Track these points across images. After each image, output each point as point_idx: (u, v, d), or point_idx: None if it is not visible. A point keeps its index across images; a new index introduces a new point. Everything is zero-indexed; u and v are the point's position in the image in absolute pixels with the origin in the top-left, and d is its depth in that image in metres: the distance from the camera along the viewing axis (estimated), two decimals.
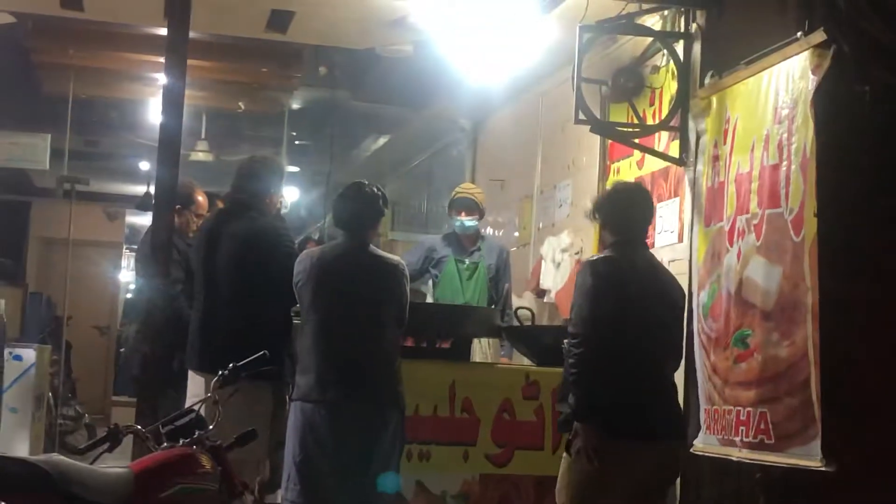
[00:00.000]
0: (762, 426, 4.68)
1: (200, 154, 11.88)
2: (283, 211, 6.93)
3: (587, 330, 4.50)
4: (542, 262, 7.64)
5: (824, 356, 4.34)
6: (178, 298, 6.05)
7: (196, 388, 5.34)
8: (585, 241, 7.07)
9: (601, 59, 6.68)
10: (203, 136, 11.91)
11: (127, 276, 16.74)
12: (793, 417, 4.49)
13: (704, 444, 5.18)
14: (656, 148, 6.15)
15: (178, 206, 6.20)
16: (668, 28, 6.09)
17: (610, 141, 6.81)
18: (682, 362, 5.05)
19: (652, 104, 6.31)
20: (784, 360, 4.57)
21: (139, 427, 4.06)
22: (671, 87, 6.04)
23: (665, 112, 6.00)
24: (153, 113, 10.73)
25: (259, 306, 5.36)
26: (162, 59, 6.26)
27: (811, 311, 4.40)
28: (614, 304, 4.54)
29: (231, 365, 4.26)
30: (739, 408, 4.87)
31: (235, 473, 4.08)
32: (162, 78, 6.60)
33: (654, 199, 6.16)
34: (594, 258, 4.81)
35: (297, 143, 12.77)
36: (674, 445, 4.69)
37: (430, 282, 7.39)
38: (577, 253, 7.22)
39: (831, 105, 4.51)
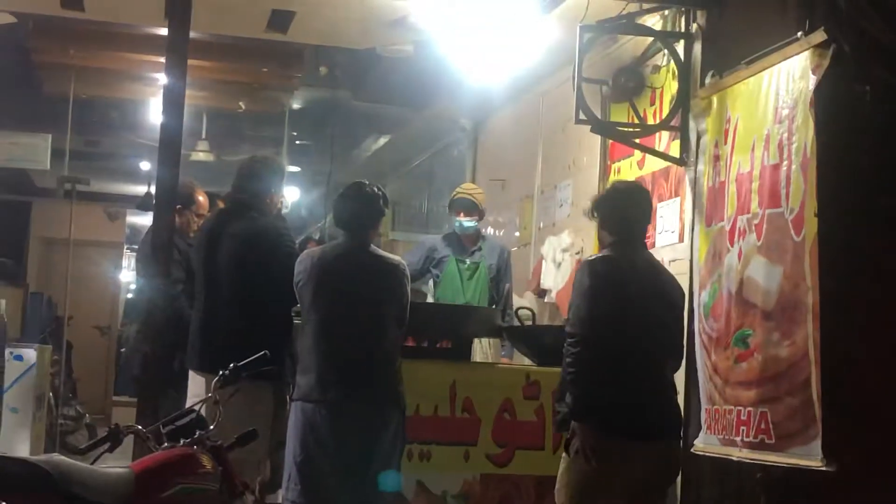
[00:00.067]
0: (763, 426, 4.68)
1: (201, 154, 11.89)
2: (284, 211, 6.93)
3: (584, 329, 4.50)
4: (543, 261, 7.65)
5: (825, 356, 4.34)
6: (178, 298, 6.05)
7: (197, 388, 5.34)
8: (586, 240, 7.07)
9: (602, 59, 6.68)
10: (204, 136, 11.91)
11: (128, 276, 16.74)
12: (793, 417, 4.49)
13: (705, 443, 5.18)
14: (657, 148, 6.15)
15: (178, 206, 6.21)
16: (669, 28, 6.09)
17: (610, 141, 6.81)
18: (683, 362, 5.05)
19: (652, 104, 6.31)
20: (785, 360, 4.57)
21: (140, 427, 4.07)
22: (672, 87, 6.04)
23: (666, 112, 6.00)
24: (154, 113, 10.74)
25: (260, 306, 5.36)
26: (162, 59, 6.26)
27: (812, 310, 4.40)
28: (612, 303, 4.54)
29: (232, 365, 4.26)
30: (740, 407, 4.87)
31: (236, 473, 4.08)
32: (162, 78, 6.59)
33: (655, 199, 6.17)
34: (592, 258, 4.81)
35: (297, 143, 12.78)
36: (672, 445, 4.69)
37: (431, 282, 7.38)
38: (577, 253, 7.22)
39: (832, 105, 4.51)
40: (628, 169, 6.67)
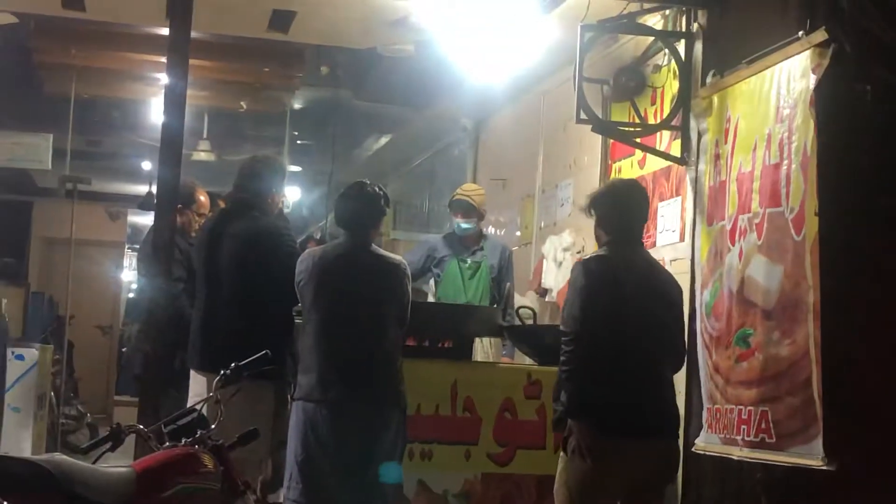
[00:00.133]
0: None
1: (202, 154, 11.90)
2: (286, 210, 6.94)
3: (578, 328, 4.50)
4: (544, 261, 7.65)
5: (825, 355, 4.34)
6: (180, 298, 6.06)
7: (198, 387, 5.34)
8: (587, 240, 7.06)
9: (602, 59, 6.68)
10: (205, 135, 11.92)
11: (129, 275, 16.77)
12: (794, 416, 4.49)
13: (706, 443, 5.18)
14: (658, 147, 6.15)
15: (180, 206, 6.22)
16: (670, 27, 6.09)
17: (611, 140, 6.81)
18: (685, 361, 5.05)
19: (653, 103, 6.31)
20: (785, 359, 4.57)
21: (141, 426, 4.07)
22: (673, 87, 6.04)
23: (667, 111, 6.00)
24: (155, 113, 10.76)
25: (261, 306, 5.37)
26: (164, 59, 6.27)
27: (812, 310, 4.40)
28: (607, 302, 4.54)
29: (233, 364, 4.27)
30: (741, 407, 4.87)
31: (237, 473, 4.09)
32: (164, 78, 6.60)
33: (656, 199, 6.18)
34: (587, 257, 4.81)
35: (298, 142, 12.79)
36: (670, 444, 4.68)
37: (432, 281, 7.39)
38: (578, 252, 7.22)
39: (832, 104, 4.51)
40: (629, 168, 6.67)
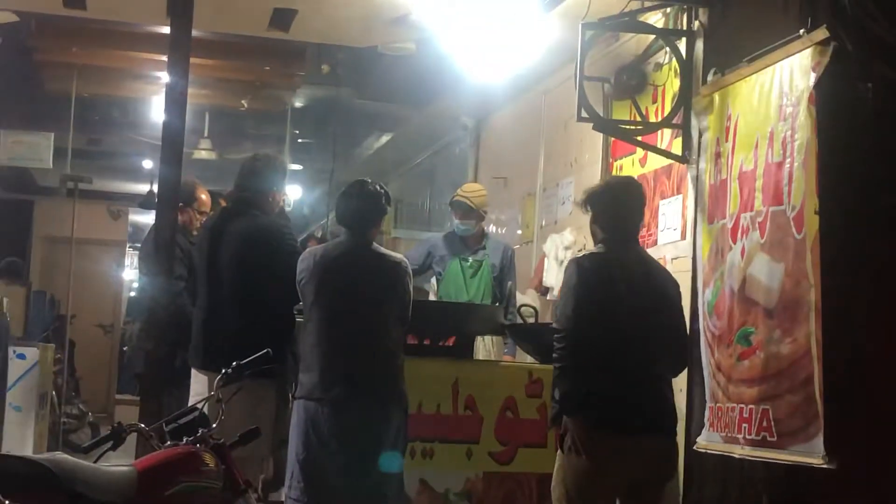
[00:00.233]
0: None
1: (203, 152, 11.91)
2: (287, 209, 6.93)
3: (571, 325, 4.51)
4: (545, 259, 7.65)
5: (827, 353, 4.34)
6: (181, 296, 6.06)
7: (199, 386, 5.35)
8: (588, 238, 7.05)
9: (604, 57, 6.68)
10: (206, 134, 11.93)
11: (130, 274, 16.79)
12: (795, 415, 4.48)
13: (708, 441, 5.18)
14: (659, 145, 6.15)
15: (181, 205, 6.22)
16: (671, 25, 6.08)
17: (612, 138, 6.81)
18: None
19: (654, 101, 6.31)
20: (787, 358, 4.57)
21: (143, 425, 4.08)
22: (674, 85, 6.04)
23: (668, 109, 6.00)
24: (156, 111, 10.76)
25: (262, 304, 5.37)
26: (165, 58, 6.28)
27: (814, 308, 4.40)
28: (600, 299, 4.54)
29: (234, 363, 4.27)
30: (742, 405, 4.87)
31: (239, 471, 4.09)
32: (165, 76, 6.60)
33: (658, 197, 6.18)
34: (581, 255, 4.81)
35: (299, 141, 12.79)
36: (667, 441, 4.68)
37: (434, 279, 7.39)
38: (580, 250, 7.21)
39: (834, 102, 4.50)
40: (630, 166, 6.67)
